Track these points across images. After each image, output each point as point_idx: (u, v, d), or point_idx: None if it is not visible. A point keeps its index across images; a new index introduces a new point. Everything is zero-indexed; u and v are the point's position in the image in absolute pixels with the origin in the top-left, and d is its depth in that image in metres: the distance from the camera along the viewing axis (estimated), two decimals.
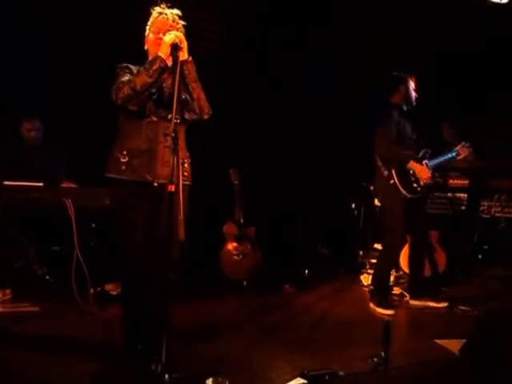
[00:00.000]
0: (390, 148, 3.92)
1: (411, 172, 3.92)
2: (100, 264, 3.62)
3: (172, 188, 2.25)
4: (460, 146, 4.07)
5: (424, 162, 3.98)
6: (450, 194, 5.12)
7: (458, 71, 5.38)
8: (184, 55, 2.44)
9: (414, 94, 4.08)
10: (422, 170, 3.91)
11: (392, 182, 3.90)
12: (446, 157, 4.09)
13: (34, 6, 4.30)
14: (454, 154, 4.08)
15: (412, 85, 4.07)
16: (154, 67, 2.41)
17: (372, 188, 4.39)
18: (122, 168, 2.53)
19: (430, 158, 4.04)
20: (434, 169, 4.02)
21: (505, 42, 5.02)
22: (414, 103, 4.09)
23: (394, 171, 3.90)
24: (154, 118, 2.55)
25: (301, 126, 5.77)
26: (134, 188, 2.55)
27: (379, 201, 4.28)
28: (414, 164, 3.92)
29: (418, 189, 3.92)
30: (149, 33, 2.63)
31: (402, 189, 3.87)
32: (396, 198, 3.90)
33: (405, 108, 4.08)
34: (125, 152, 2.54)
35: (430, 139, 4.22)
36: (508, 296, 4.19)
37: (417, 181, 3.92)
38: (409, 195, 3.88)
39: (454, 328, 3.48)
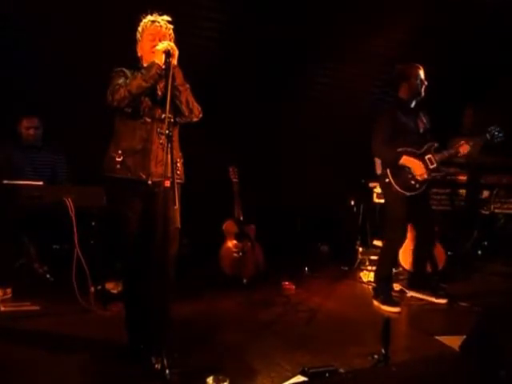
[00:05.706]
0: (381, 148, 3.84)
1: (407, 169, 3.79)
2: (100, 262, 3.64)
3: (167, 183, 2.33)
4: (459, 144, 3.90)
5: (427, 157, 3.82)
6: (449, 190, 5.11)
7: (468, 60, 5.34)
8: (175, 61, 2.51)
9: (422, 84, 3.87)
10: (415, 165, 3.77)
11: (387, 180, 3.83)
12: (447, 152, 3.93)
13: (35, 5, 4.29)
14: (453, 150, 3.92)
15: (420, 74, 3.86)
16: (151, 73, 2.50)
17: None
18: (117, 167, 2.61)
19: (437, 151, 3.87)
20: (440, 163, 3.87)
21: None
22: (423, 93, 3.89)
23: (388, 170, 3.83)
24: (148, 119, 2.62)
25: (300, 124, 5.76)
26: (128, 186, 2.61)
27: (383, 198, 4.19)
28: (407, 159, 3.78)
29: (417, 185, 3.79)
30: (142, 40, 2.70)
31: (397, 187, 3.78)
32: (394, 196, 3.83)
33: (411, 101, 3.92)
34: (120, 151, 2.62)
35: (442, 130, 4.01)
36: (508, 292, 4.19)
37: (414, 177, 3.78)
38: (407, 193, 3.78)
39: (453, 324, 3.50)
